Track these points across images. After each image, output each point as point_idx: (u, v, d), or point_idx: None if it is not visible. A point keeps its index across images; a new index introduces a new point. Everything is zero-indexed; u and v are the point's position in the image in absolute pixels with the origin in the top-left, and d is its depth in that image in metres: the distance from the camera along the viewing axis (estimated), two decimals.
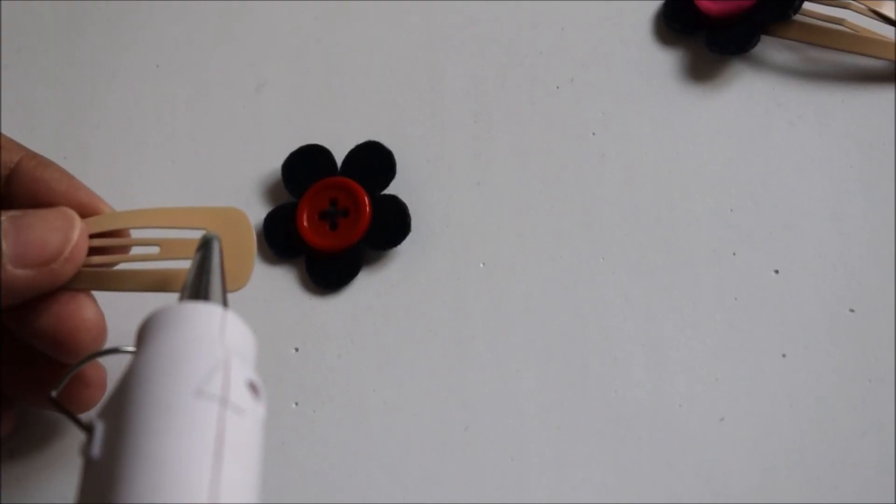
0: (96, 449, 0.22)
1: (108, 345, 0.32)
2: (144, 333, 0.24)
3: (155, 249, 0.32)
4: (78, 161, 0.41)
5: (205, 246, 0.29)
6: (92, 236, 0.32)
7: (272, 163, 0.40)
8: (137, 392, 0.22)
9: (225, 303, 0.26)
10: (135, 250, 0.34)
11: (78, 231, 0.31)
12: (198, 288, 0.26)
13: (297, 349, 0.37)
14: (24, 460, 0.36)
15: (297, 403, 0.36)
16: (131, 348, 0.26)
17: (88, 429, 0.23)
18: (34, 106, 0.43)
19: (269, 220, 0.39)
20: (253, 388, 0.23)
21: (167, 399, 0.21)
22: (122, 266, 0.33)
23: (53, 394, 0.26)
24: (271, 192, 0.40)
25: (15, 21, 0.44)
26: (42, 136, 0.42)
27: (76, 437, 0.36)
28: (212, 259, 0.28)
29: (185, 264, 0.30)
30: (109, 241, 0.33)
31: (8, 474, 0.36)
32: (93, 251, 0.32)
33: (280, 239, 0.38)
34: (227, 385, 0.22)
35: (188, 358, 0.22)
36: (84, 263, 0.31)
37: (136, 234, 0.35)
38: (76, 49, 0.43)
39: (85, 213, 0.32)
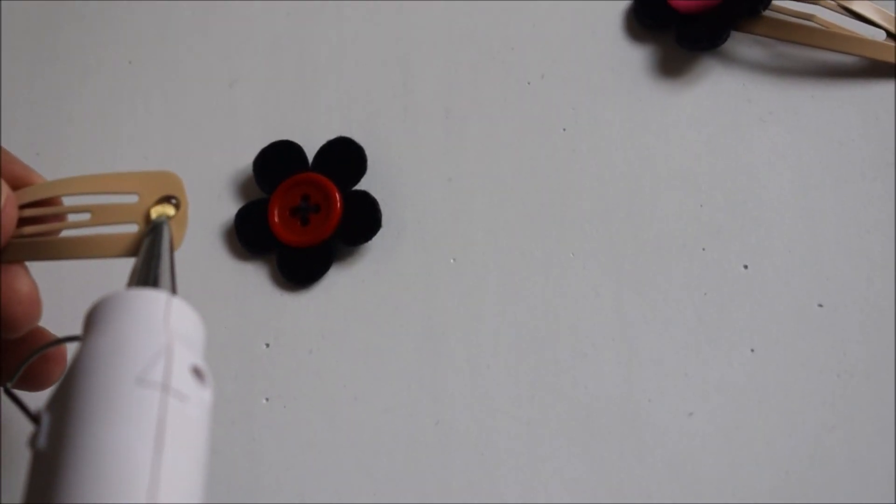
0: (42, 440, 0.22)
1: (60, 319, 0.31)
2: (90, 321, 0.24)
3: (86, 216, 0.31)
4: (52, 156, 0.41)
5: (154, 231, 0.29)
6: (24, 207, 0.31)
7: (244, 159, 0.40)
8: (81, 382, 0.22)
9: (174, 289, 0.26)
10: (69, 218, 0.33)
11: (5, 199, 0.30)
12: (146, 274, 0.26)
13: (267, 345, 0.37)
14: None
15: (267, 399, 0.36)
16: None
17: (36, 419, 0.23)
18: (8, 102, 0.43)
19: (241, 216, 0.39)
20: (198, 373, 0.23)
21: (109, 388, 0.21)
22: (65, 234, 0.33)
23: (9, 385, 0.26)
24: (243, 187, 0.40)
25: None
26: (16, 132, 0.42)
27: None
28: (161, 244, 0.28)
29: (119, 229, 0.29)
30: (40, 211, 0.32)
31: None
32: (25, 222, 0.31)
33: (251, 235, 0.38)
34: (168, 371, 0.22)
35: (131, 346, 0.22)
36: (15, 234, 0.30)
37: (70, 202, 0.33)
38: (50, 45, 0.43)
39: (19, 185, 0.32)
